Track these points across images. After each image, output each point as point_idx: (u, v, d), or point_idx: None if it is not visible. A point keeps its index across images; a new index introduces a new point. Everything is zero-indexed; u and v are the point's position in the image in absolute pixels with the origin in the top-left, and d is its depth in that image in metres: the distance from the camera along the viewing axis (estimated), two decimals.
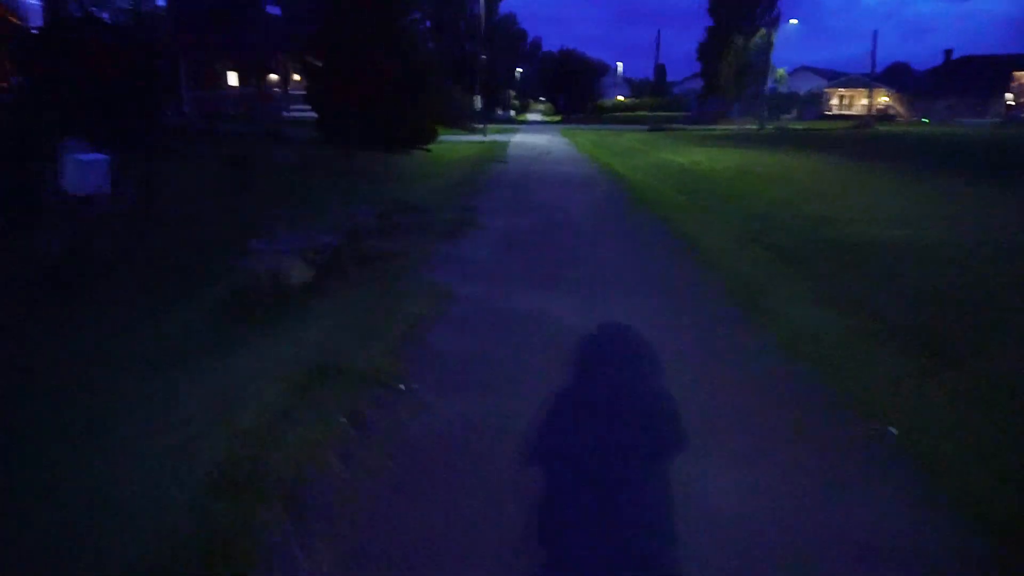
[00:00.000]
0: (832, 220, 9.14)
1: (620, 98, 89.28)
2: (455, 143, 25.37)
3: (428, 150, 22.17)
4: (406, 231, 7.92)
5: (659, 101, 52.22)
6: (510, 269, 6.41)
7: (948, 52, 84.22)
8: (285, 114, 29.38)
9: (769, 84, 53.63)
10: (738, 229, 8.74)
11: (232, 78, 31.43)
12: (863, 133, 38.84)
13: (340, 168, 14.13)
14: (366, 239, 7.38)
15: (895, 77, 75.34)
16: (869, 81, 55.85)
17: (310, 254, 6.40)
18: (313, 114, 22.34)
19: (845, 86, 67.96)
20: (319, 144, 20.13)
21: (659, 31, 53.03)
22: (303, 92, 24.28)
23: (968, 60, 77.87)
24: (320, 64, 21.36)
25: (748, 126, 44.75)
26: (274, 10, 33.64)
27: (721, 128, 45.02)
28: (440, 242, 7.43)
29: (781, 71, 54.40)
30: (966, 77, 70.45)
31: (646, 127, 46.70)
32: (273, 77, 31.52)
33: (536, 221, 8.96)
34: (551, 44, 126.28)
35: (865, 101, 67.55)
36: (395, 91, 20.45)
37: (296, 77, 29.46)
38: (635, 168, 17.25)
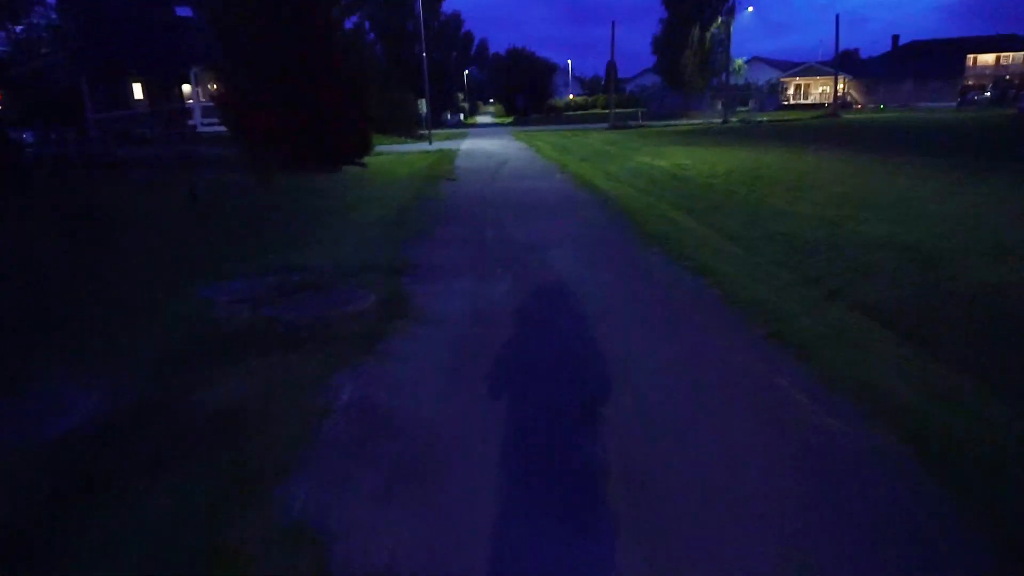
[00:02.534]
0: (937, 255, 6.17)
1: (572, 97, 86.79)
2: (397, 154, 22.00)
3: (364, 165, 18.82)
4: (288, 337, 4.57)
5: (615, 98, 49.40)
6: (473, 441, 3.18)
7: (895, 38, 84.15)
8: (201, 129, 25.70)
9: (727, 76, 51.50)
10: (813, 280, 5.71)
11: (142, 92, 27.50)
12: (832, 122, 36.79)
13: (236, 206, 10.68)
14: (208, 366, 4.05)
15: (844, 65, 74.35)
16: (829, 69, 54.27)
17: (43, 455, 3.10)
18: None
19: (801, 75, 66.55)
20: (231, 168, 16.64)
21: (613, 23, 49.63)
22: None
23: (916, 46, 77.67)
24: (232, 70, 17.82)
25: (714, 120, 42.36)
26: (185, 11, 29.71)
27: (685, 123, 42.55)
28: (339, 367, 4.07)
29: (739, 61, 52.34)
30: (917, 62, 70.02)
31: (604, 125, 43.97)
32: (188, 88, 27.66)
33: (505, 293, 5.69)
34: (499, 46, 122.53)
35: (821, 89, 66.38)
36: (323, 98, 17.08)
37: (213, 87, 25.65)
38: (615, 179, 14.20)
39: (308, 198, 11.64)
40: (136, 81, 27.51)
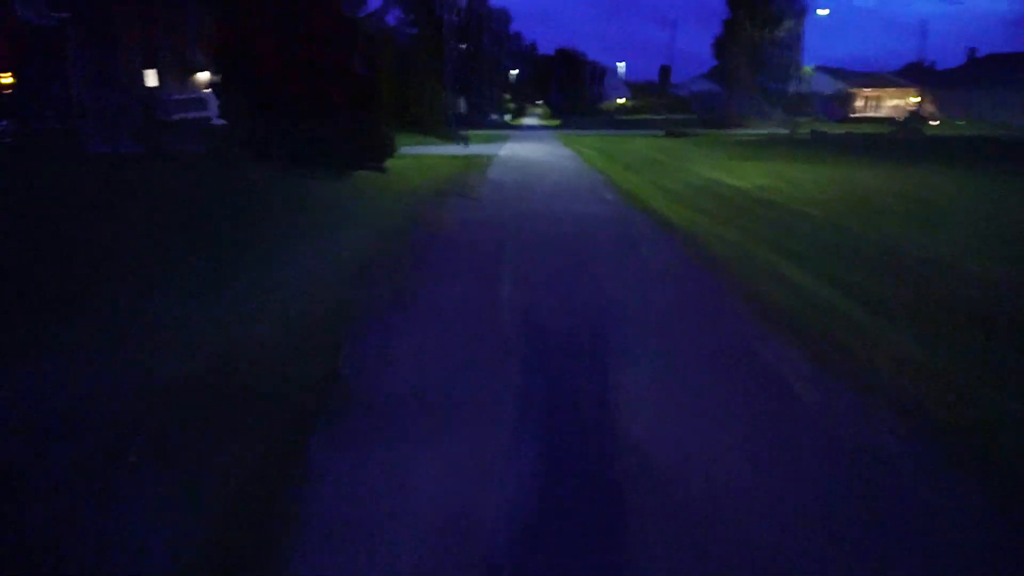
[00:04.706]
0: None
1: (624, 100, 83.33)
2: (422, 159, 19.27)
3: (382, 169, 16.15)
4: None
5: (669, 102, 45.64)
6: None
7: (972, 51, 78.62)
8: (216, 122, 23.43)
9: (793, 83, 47.60)
10: None
11: (152, 78, 25.33)
12: (916, 137, 32.88)
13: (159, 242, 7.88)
14: None
15: (918, 76, 69.29)
16: (901, 80, 49.92)
17: None
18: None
19: (872, 86, 61.98)
20: (218, 166, 14.15)
21: (674, 23, 45.67)
22: None
23: (995, 58, 72.14)
24: (225, 52, 15.36)
25: (778, 130, 38.65)
26: None
27: (746, 132, 38.95)
28: None
29: (808, 68, 48.31)
30: (996, 75, 64.59)
31: (658, 131, 40.62)
32: (202, 77, 25.41)
33: (520, 520, 2.76)
34: (548, 47, 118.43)
35: (893, 102, 61.60)
36: (332, 89, 14.49)
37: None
38: (684, 202, 11.17)
39: (266, 219, 8.86)
40: (147, 67, 25.35)
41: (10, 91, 21.90)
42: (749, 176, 14.65)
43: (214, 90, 16.44)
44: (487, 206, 10.52)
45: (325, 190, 11.66)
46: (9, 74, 22.64)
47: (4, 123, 15.80)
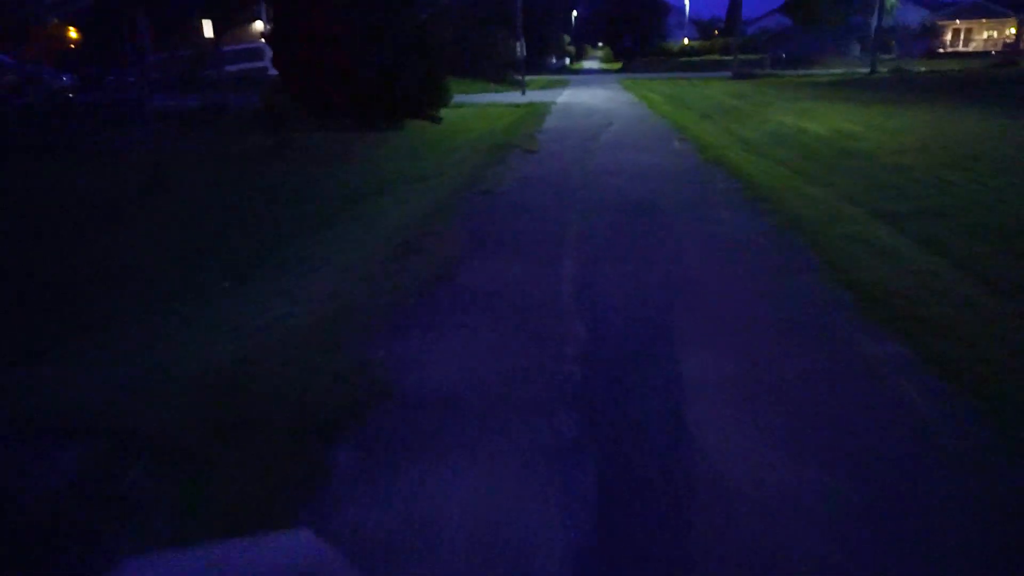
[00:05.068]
0: None
1: (687, 40, 79.54)
2: (477, 108, 18.63)
3: (437, 119, 15.68)
4: None
5: (737, 42, 42.62)
6: None
7: None
8: (272, 72, 23.33)
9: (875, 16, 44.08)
10: None
11: (208, 29, 25.26)
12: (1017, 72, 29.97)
13: (184, 202, 7.64)
14: None
15: (1014, 4, 63.26)
16: (1001, 9, 45.51)
17: None
18: None
19: (963, 16, 56.90)
20: (259, 125, 13.98)
21: None
22: None
23: None
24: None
25: (856, 68, 36.03)
26: None
27: (822, 72, 36.47)
28: None
29: None
30: None
31: (726, 73, 38.45)
32: (258, 27, 25.24)
33: None
34: None
35: (987, 34, 56.61)
36: (376, 36, 13.97)
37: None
38: (760, 152, 10.32)
39: (304, 182, 8.54)
40: (207, 17, 25.23)
41: (75, 46, 22.06)
42: (827, 120, 13.55)
43: (267, 40, 16.17)
44: (545, 164, 9.92)
45: (369, 147, 11.27)
46: (74, 28, 22.84)
47: (68, 76, 15.99)
